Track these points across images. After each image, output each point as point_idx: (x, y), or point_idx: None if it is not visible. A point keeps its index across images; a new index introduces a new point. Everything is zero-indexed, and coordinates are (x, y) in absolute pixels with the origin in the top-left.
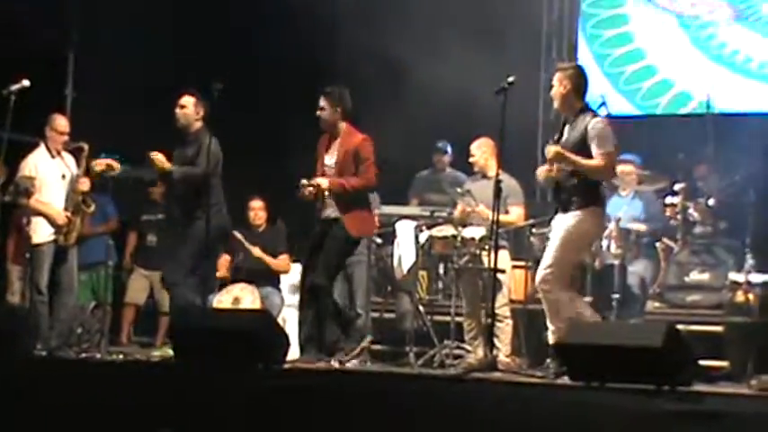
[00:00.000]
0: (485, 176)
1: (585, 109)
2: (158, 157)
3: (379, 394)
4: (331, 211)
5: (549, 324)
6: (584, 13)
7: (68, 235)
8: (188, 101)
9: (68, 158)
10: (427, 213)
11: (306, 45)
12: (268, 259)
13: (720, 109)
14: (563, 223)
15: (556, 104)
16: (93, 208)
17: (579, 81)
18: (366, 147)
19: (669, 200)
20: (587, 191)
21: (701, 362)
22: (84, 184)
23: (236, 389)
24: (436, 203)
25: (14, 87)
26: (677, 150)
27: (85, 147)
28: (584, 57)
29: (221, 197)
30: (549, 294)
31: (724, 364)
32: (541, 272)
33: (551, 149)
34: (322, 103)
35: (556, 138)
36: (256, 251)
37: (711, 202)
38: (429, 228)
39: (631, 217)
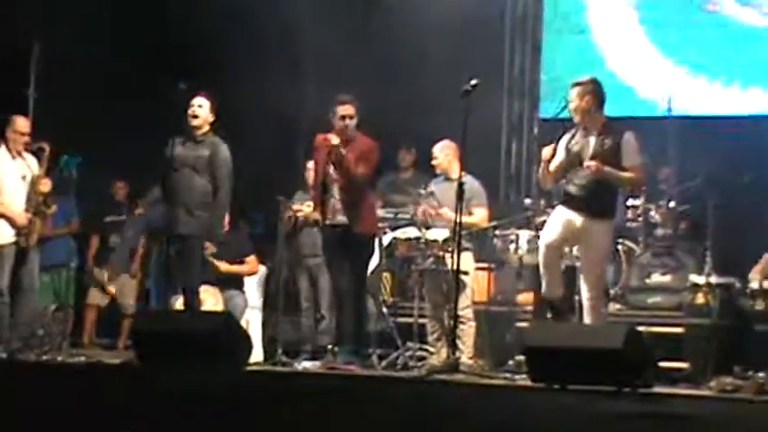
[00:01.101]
0: (448, 178)
1: (610, 121)
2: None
3: (342, 395)
4: (341, 217)
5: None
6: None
7: (29, 236)
8: (205, 102)
9: (30, 159)
10: (391, 215)
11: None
12: (236, 268)
13: (682, 112)
14: (600, 233)
15: (577, 119)
16: (54, 209)
17: (600, 94)
18: (376, 153)
19: (631, 202)
20: (613, 201)
21: (662, 363)
22: (46, 185)
23: (198, 391)
24: (400, 205)
25: (195, 123)
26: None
27: (47, 147)
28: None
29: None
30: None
31: (684, 365)
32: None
33: (593, 165)
34: (350, 111)
35: (577, 147)
36: (224, 266)
37: (672, 204)
38: (392, 230)
39: None
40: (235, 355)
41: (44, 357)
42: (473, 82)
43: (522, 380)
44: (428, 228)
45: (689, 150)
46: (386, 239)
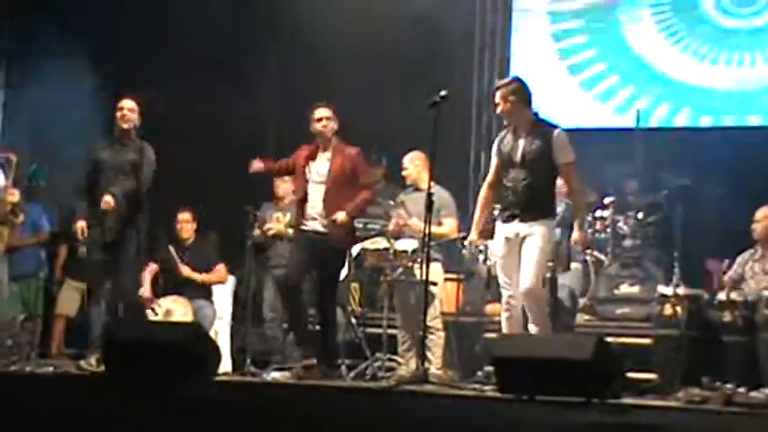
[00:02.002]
0: (417, 189)
1: (539, 119)
2: (109, 202)
3: (310, 406)
4: (317, 225)
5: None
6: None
7: None
8: (135, 105)
9: None
10: (360, 226)
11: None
12: (198, 276)
13: (649, 124)
14: (538, 233)
15: (506, 120)
16: (21, 218)
17: (525, 93)
18: (363, 159)
19: (599, 213)
20: (550, 200)
21: (630, 374)
22: (13, 195)
23: (167, 402)
24: (371, 216)
25: (127, 125)
26: (606, 164)
27: (14, 158)
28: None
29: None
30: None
31: (653, 376)
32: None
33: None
34: (326, 113)
35: (507, 148)
36: (185, 270)
37: (640, 215)
38: (362, 240)
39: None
40: (204, 366)
41: (12, 368)
42: (442, 93)
43: (491, 390)
44: (397, 238)
45: (656, 162)
46: (354, 250)
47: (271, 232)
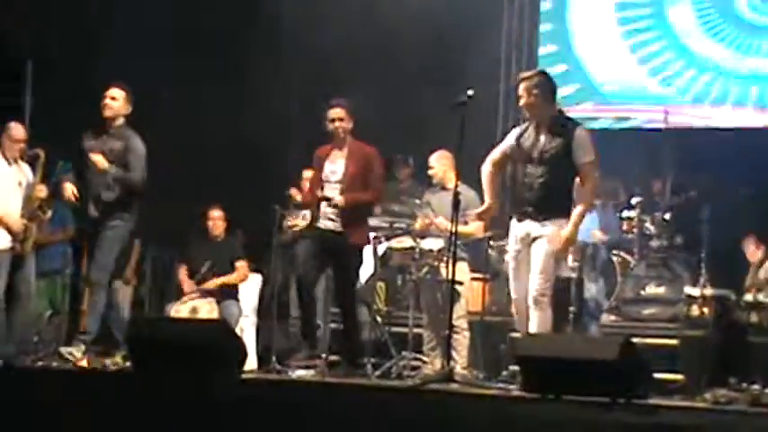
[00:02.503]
0: (444, 188)
1: (562, 116)
2: (99, 159)
3: (335, 405)
4: (331, 224)
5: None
6: None
7: (25, 242)
8: (119, 94)
9: (25, 166)
10: (386, 225)
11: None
12: (222, 280)
13: (677, 125)
14: (553, 231)
15: (528, 114)
16: (49, 215)
17: (547, 86)
18: (378, 160)
19: (626, 213)
20: (567, 200)
21: (657, 375)
22: (41, 192)
23: (192, 399)
24: (398, 214)
25: (108, 113)
26: (634, 165)
27: (42, 154)
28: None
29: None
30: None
31: (679, 377)
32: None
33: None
34: (340, 113)
35: (527, 143)
36: (211, 283)
37: (668, 216)
38: (388, 239)
39: (587, 229)
40: (229, 363)
41: (39, 364)
42: (469, 92)
43: (517, 390)
44: (423, 237)
45: (684, 162)
46: (381, 249)
47: (296, 228)
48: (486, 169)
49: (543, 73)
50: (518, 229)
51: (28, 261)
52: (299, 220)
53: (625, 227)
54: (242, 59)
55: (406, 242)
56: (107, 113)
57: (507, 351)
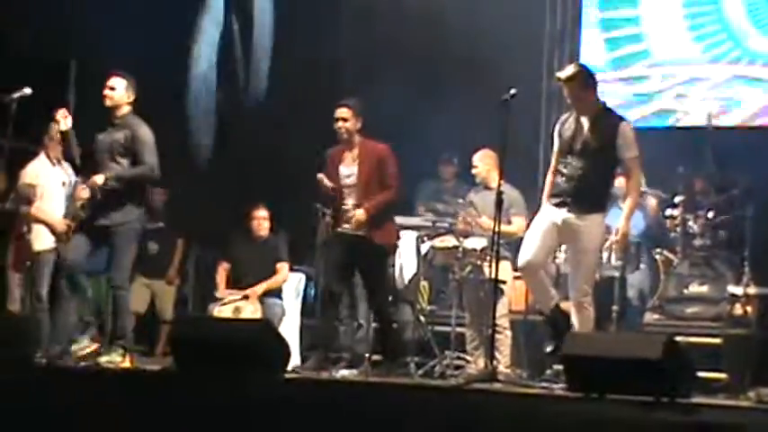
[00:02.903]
0: (487, 187)
1: (605, 108)
2: (97, 178)
3: (379, 405)
4: (352, 227)
5: None
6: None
7: (68, 243)
8: (118, 83)
9: (68, 166)
10: (429, 224)
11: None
12: (264, 288)
13: (720, 122)
14: (589, 228)
15: (573, 105)
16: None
17: (588, 79)
18: (391, 157)
19: (669, 212)
20: (605, 193)
21: (700, 374)
22: (84, 191)
23: (236, 399)
24: (442, 213)
25: (15, 95)
26: (677, 163)
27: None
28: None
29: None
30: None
31: (722, 376)
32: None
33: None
34: (345, 113)
35: (569, 133)
36: (252, 292)
37: (711, 214)
38: (431, 238)
39: (636, 229)
40: (272, 363)
41: (83, 363)
42: (512, 91)
43: (560, 389)
44: (466, 236)
45: (727, 160)
46: (424, 248)
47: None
48: (549, 181)
49: (583, 65)
50: (552, 212)
51: None
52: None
53: (668, 225)
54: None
55: (450, 241)
56: (108, 104)
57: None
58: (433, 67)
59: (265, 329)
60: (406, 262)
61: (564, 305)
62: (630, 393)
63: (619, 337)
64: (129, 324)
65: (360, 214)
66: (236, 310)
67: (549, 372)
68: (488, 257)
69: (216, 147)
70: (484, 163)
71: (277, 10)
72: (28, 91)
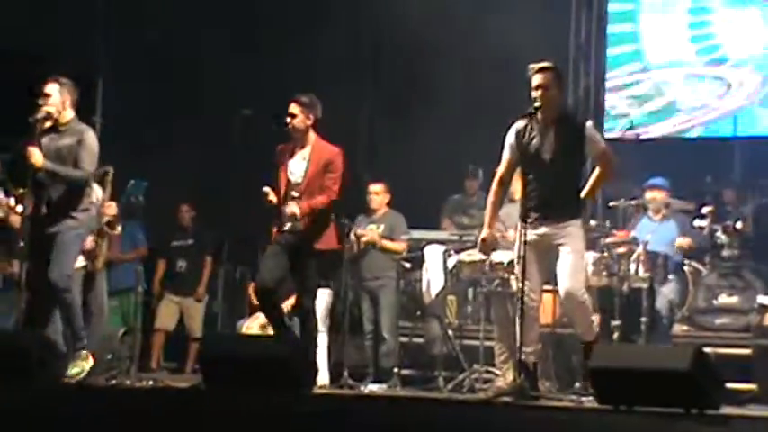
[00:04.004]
0: (512, 200)
1: (567, 111)
2: (34, 152)
3: (408, 419)
4: (293, 225)
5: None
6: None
7: (96, 260)
8: (52, 89)
9: (94, 183)
10: (456, 238)
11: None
12: (292, 302)
13: (747, 133)
14: (570, 235)
15: (544, 108)
16: (118, 230)
17: (562, 80)
18: (339, 161)
19: (697, 223)
20: (578, 199)
21: (730, 385)
22: (111, 208)
23: (264, 415)
24: (467, 227)
25: (40, 115)
26: (705, 173)
27: (110, 170)
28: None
29: (91, 198)
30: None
31: (752, 386)
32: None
33: None
34: (293, 109)
35: (534, 143)
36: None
37: (739, 225)
38: (457, 252)
39: (665, 240)
40: (301, 379)
41: (112, 381)
42: (537, 104)
43: (589, 402)
44: (493, 250)
45: (754, 170)
46: (451, 262)
47: (364, 239)
48: (494, 191)
49: (555, 65)
50: (530, 233)
51: (100, 279)
52: (366, 230)
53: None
54: (312, 65)
55: (476, 255)
56: (45, 111)
57: (579, 363)
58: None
59: (292, 346)
60: (433, 276)
61: None
62: (659, 405)
63: (647, 348)
64: (81, 323)
65: (292, 207)
66: (264, 326)
67: (577, 384)
68: (516, 271)
69: (243, 161)
70: None
71: None
72: (53, 110)
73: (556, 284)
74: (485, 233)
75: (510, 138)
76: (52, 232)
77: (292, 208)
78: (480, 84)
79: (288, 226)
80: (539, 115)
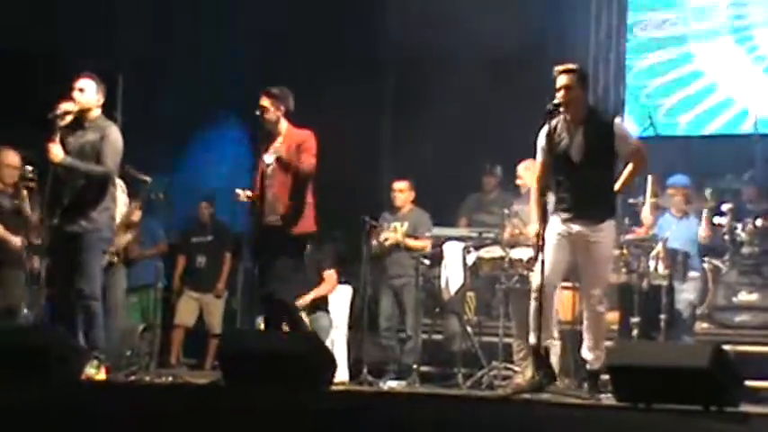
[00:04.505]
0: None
1: (594, 109)
2: (55, 148)
3: (427, 416)
4: (273, 218)
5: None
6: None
7: (115, 256)
8: (87, 84)
9: (119, 181)
10: (475, 235)
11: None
12: (313, 295)
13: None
14: (601, 237)
15: (568, 108)
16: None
17: (587, 81)
18: (311, 141)
19: (717, 220)
20: (612, 199)
21: (749, 382)
22: (137, 216)
23: (283, 411)
24: (485, 224)
25: (59, 111)
26: (725, 171)
27: (148, 180)
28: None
29: (115, 195)
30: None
31: None
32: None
33: None
34: (263, 101)
35: (563, 143)
36: (302, 302)
37: (759, 222)
38: (477, 249)
39: (685, 237)
40: (319, 376)
41: (132, 377)
42: (556, 101)
43: (608, 399)
44: (512, 247)
45: None
46: (470, 259)
47: (388, 242)
48: (535, 199)
49: (580, 66)
50: (562, 227)
51: (118, 275)
52: (391, 232)
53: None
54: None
55: (496, 252)
56: (77, 106)
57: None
58: (476, 76)
59: (312, 342)
60: (452, 273)
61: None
62: (678, 403)
63: (666, 346)
64: (101, 334)
65: (275, 219)
66: None
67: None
68: (535, 268)
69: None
70: (529, 173)
71: None
72: (72, 106)
73: (576, 281)
74: (537, 228)
75: (540, 140)
76: (71, 231)
77: (272, 218)
78: (499, 82)
79: (267, 220)
80: (567, 116)
